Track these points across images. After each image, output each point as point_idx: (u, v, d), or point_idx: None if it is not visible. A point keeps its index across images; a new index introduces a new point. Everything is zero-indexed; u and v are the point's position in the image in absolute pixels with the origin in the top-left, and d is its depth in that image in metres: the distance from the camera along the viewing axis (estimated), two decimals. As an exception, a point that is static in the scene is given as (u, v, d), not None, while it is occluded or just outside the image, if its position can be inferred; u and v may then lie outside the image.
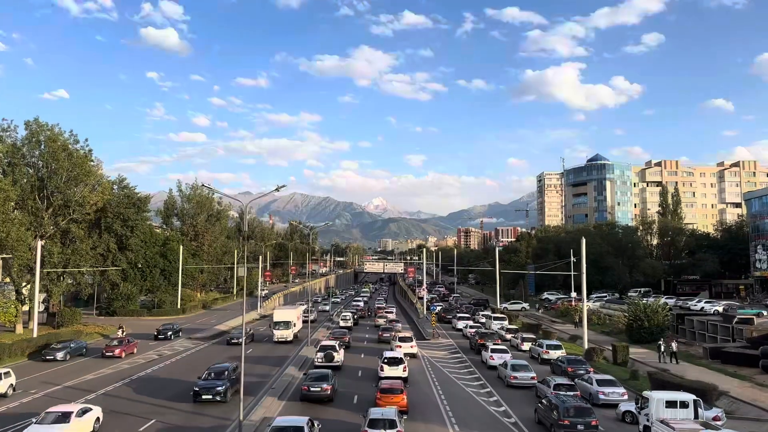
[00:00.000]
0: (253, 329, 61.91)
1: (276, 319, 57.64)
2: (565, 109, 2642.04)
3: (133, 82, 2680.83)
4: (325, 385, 32.06)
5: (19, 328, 58.67)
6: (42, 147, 62.37)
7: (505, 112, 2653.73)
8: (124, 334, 55.08)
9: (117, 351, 46.73)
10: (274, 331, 56.53)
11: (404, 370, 37.30)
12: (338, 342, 45.98)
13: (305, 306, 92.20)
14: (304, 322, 67.36)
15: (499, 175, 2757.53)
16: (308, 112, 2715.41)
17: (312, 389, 31.84)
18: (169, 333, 58.58)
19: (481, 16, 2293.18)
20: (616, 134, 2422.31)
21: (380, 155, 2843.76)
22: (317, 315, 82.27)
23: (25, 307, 61.07)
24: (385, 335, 58.25)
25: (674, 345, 45.99)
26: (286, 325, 56.65)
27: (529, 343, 51.34)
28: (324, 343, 44.76)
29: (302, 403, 31.72)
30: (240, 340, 49.30)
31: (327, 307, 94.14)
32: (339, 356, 42.51)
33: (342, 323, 69.35)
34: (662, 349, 45.70)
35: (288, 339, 56.02)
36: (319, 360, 41.40)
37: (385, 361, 37.89)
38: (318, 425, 25.30)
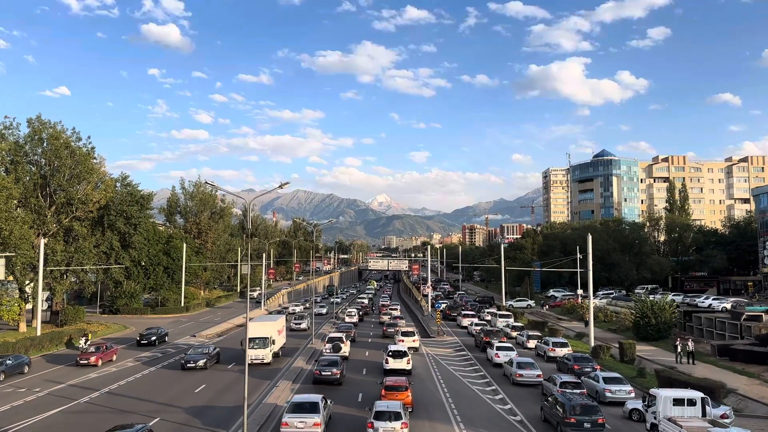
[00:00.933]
0: (219, 346, 47.58)
1: (250, 334, 40.66)
2: (569, 104, 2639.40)
3: (134, 79, 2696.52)
4: (335, 370, 36.31)
5: (23, 327, 59.03)
6: (44, 145, 62.54)
7: (509, 108, 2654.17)
8: (88, 343, 47.93)
9: (93, 359, 42.26)
10: (247, 351, 45.05)
11: (408, 363, 39.95)
12: (345, 335, 49.18)
13: (301, 306, 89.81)
14: (295, 330, 62.70)
15: (503, 172, 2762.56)
16: (311, 108, 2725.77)
17: (323, 373, 36.09)
18: (153, 338, 52.99)
19: (485, 10, 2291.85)
20: (621, 130, 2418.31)
21: (383, 152, 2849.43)
22: (310, 322, 65.96)
23: (29, 306, 61.40)
24: (389, 330, 59.75)
25: (691, 344, 44.75)
26: (263, 342, 43.58)
27: (535, 341, 51.32)
28: (332, 335, 48.39)
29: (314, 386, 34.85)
30: (198, 363, 40.80)
31: (323, 310, 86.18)
32: (346, 348, 45.91)
33: (347, 319, 71.44)
34: (678, 350, 44.77)
35: (265, 361, 42.87)
36: (328, 351, 44.59)
37: (390, 354, 40.32)
38: (330, 402, 28.49)
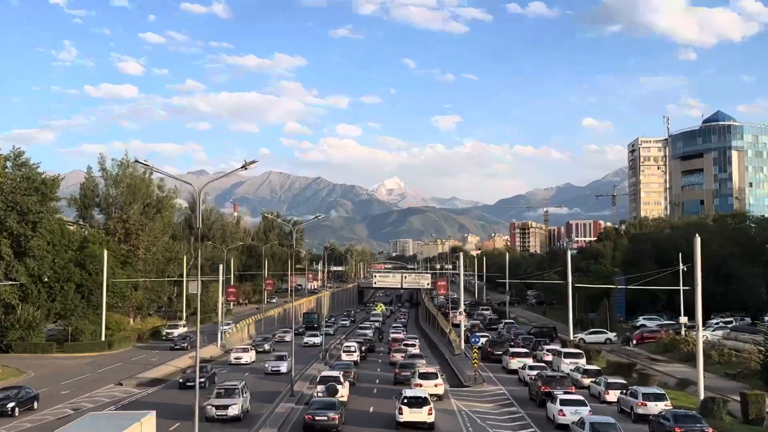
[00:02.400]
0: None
1: None
2: (667, 44, 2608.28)
3: (28, 9, 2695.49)
4: (331, 414, 39.57)
5: None
6: None
7: (577, 51, 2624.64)
8: None
9: None
10: None
11: (430, 413, 41.64)
12: (342, 374, 52.41)
13: (252, 352, 75.73)
14: (213, 419, 43.41)
15: (570, 144, 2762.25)
16: (286, 52, 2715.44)
17: (317, 418, 39.23)
18: (9, 404, 45.69)
19: None
20: (744, 81, 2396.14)
21: (394, 116, 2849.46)
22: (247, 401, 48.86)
23: None
24: (403, 374, 60.32)
25: None
26: None
27: (618, 391, 51.34)
28: (325, 374, 52.37)
29: None
30: None
31: (282, 368, 65.29)
32: (344, 391, 49.08)
33: (345, 357, 72.11)
34: None
35: None
36: (321, 394, 47.46)
37: (405, 401, 41.75)
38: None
